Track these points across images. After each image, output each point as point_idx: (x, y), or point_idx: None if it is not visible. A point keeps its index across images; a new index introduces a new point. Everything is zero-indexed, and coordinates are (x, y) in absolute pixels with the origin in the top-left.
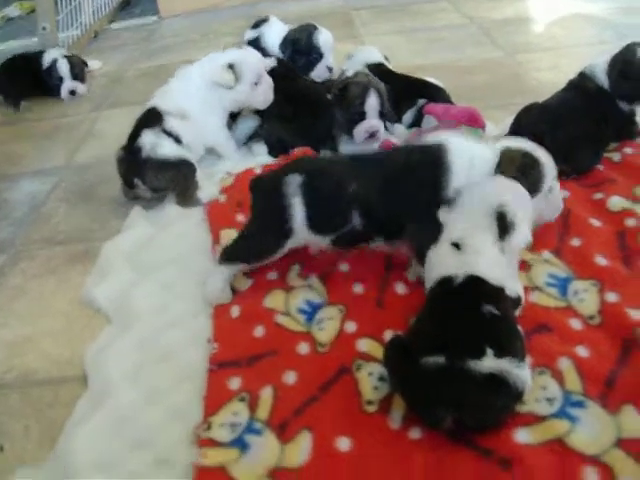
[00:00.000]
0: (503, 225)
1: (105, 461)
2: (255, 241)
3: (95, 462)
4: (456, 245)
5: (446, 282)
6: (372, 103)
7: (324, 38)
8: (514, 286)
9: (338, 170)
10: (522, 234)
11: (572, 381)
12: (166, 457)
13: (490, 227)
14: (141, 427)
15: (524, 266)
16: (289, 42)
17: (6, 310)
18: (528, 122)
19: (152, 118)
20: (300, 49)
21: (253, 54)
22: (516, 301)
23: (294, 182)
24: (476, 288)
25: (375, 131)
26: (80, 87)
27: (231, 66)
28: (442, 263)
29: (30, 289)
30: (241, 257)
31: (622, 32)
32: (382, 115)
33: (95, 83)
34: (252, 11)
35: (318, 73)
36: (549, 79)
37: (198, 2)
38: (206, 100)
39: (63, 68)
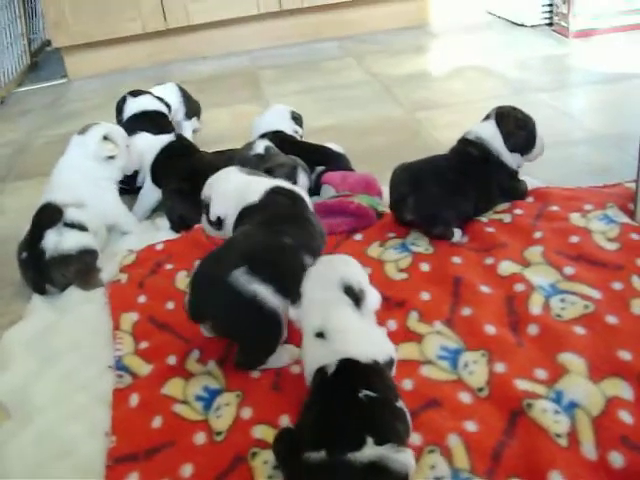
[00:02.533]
0: (355, 296)
1: None
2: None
3: None
4: (320, 334)
5: (321, 373)
6: (302, 184)
7: None
8: (384, 351)
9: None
10: (373, 296)
11: (460, 458)
12: None
13: (344, 301)
14: None
15: (417, 338)
16: None
17: None
18: (393, 184)
19: (51, 215)
20: None
21: (109, 124)
22: (389, 363)
23: (242, 274)
24: (350, 373)
25: None
26: None
27: (106, 137)
28: (313, 356)
29: None
30: (264, 356)
31: (516, 86)
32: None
33: (2, 153)
34: (161, 73)
35: None
36: (448, 136)
37: (106, 64)
38: (97, 179)
39: None
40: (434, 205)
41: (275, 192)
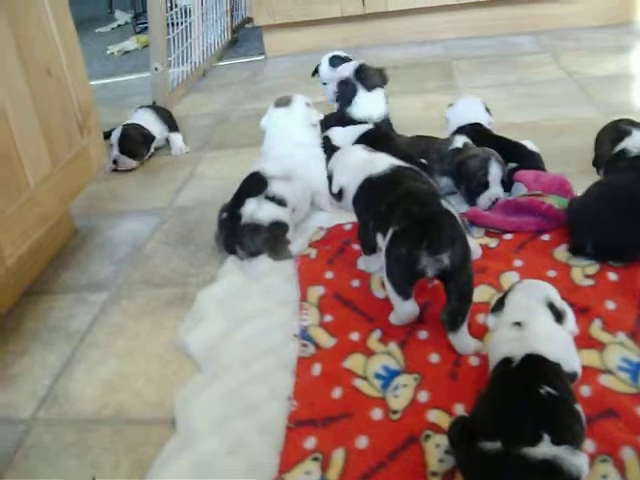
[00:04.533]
0: (556, 312)
1: None
2: None
3: None
4: (518, 324)
5: (506, 363)
6: (495, 174)
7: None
8: (572, 362)
9: None
10: (572, 320)
11: (634, 472)
12: None
13: (546, 311)
14: (220, 477)
15: (598, 346)
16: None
17: (105, 347)
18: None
19: (256, 185)
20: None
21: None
22: (572, 376)
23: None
24: (534, 368)
25: (498, 198)
26: (125, 162)
27: (308, 104)
28: (503, 344)
29: (128, 329)
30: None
31: None
32: (503, 183)
33: (201, 122)
34: (355, 56)
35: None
36: None
37: (302, 44)
38: (310, 146)
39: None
40: (616, 245)
41: (398, 167)
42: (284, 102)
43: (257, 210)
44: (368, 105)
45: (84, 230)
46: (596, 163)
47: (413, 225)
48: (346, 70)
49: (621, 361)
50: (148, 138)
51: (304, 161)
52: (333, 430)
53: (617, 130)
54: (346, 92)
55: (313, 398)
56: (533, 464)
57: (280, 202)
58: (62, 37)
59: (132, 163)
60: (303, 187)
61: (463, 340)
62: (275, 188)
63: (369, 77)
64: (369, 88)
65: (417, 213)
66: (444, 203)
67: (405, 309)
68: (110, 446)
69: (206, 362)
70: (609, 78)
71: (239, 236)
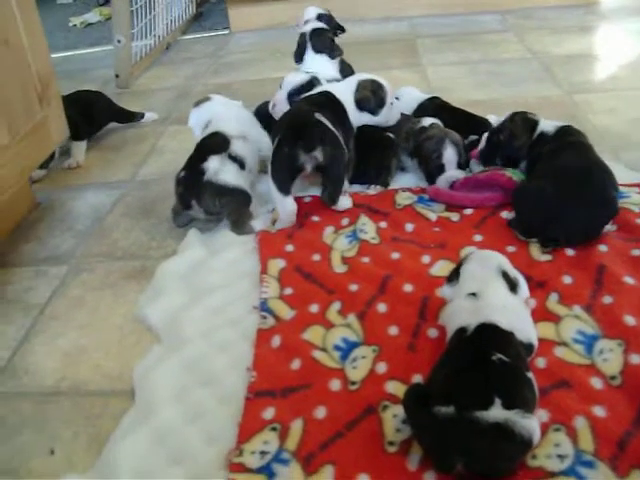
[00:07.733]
0: (510, 281)
1: (143, 474)
2: None
3: (134, 474)
4: (473, 294)
5: (461, 332)
6: (449, 156)
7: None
8: (528, 332)
9: None
10: (525, 288)
11: (585, 440)
12: (199, 477)
13: (500, 280)
14: (179, 445)
15: (554, 319)
16: None
17: (65, 320)
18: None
19: (219, 142)
20: None
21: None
22: (528, 347)
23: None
24: (487, 336)
25: (455, 180)
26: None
27: None
28: (458, 314)
29: (88, 301)
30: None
31: None
32: (460, 165)
33: (164, 96)
34: None
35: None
36: (605, 123)
37: (267, 19)
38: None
39: None
40: (586, 234)
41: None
42: (204, 99)
43: (221, 169)
44: (315, 66)
45: (45, 203)
46: (510, 157)
47: (291, 131)
48: (306, 24)
49: (576, 333)
50: None
51: (254, 126)
52: (292, 401)
53: (527, 119)
54: (299, 46)
55: (272, 369)
56: (485, 427)
57: (241, 163)
58: (20, 7)
59: (40, 173)
60: (254, 148)
61: (339, 205)
62: (236, 147)
63: (320, 39)
64: (316, 50)
65: (295, 123)
66: (317, 115)
67: (285, 205)
68: (69, 418)
69: (166, 334)
70: (572, 57)
71: (200, 191)
